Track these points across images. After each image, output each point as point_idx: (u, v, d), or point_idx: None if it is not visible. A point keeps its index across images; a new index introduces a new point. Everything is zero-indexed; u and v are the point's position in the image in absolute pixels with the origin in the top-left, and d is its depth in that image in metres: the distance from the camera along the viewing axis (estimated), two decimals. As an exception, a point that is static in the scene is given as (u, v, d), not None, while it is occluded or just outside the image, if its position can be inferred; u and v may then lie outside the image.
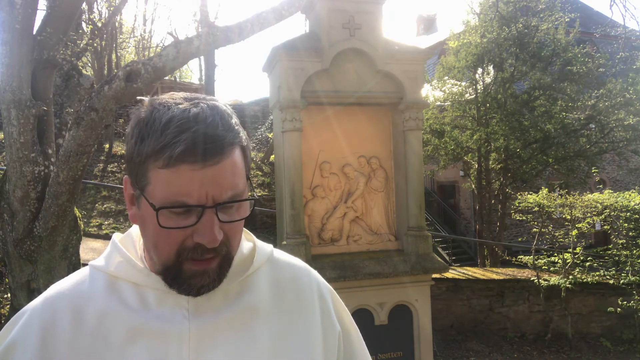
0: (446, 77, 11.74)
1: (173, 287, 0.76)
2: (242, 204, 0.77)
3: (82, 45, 4.84)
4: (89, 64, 14.68)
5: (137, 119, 0.74)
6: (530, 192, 7.33)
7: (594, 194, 7.05)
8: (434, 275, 4.57)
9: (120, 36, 17.06)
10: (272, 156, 11.64)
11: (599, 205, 6.64)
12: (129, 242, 0.88)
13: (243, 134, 0.78)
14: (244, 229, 0.93)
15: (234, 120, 0.76)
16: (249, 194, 0.80)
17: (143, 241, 0.81)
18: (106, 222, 9.55)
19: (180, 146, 0.68)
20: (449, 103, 11.70)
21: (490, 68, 11.54)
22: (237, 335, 0.81)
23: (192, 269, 0.74)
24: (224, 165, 0.71)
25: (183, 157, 0.68)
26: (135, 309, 0.79)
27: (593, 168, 10.38)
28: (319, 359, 0.87)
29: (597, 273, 6.81)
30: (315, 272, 0.98)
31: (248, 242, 0.92)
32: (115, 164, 12.24)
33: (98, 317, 0.78)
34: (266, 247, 0.94)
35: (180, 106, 0.72)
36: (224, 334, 0.80)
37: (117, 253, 0.84)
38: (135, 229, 0.88)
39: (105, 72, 13.58)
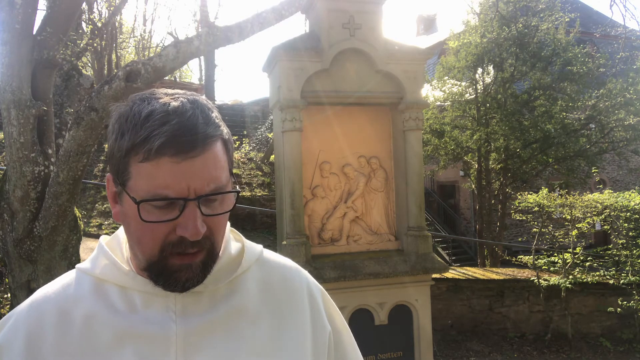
0: (446, 77, 11.73)
1: (159, 283, 0.76)
2: (226, 197, 0.76)
3: (82, 45, 4.84)
4: (89, 64, 14.68)
5: (118, 115, 0.74)
6: (530, 192, 7.33)
7: (594, 194, 7.06)
8: (434, 275, 4.57)
9: (120, 36, 17.05)
10: (272, 156, 11.64)
11: (599, 205, 6.64)
12: (116, 244, 0.87)
13: (224, 128, 0.78)
14: (233, 229, 0.92)
15: (215, 114, 0.76)
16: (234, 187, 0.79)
17: (127, 239, 0.80)
18: (106, 222, 9.55)
19: (160, 139, 0.68)
20: (449, 103, 11.70)
21: (490, 68, 11.54)
22: (225, 336, 0.80)
23: (176, 263, 0.74)
24: (205, 157, 0.71)
25: (163, 149, 0.68)
26: (122, 312, 0.78)
27: (593, 168, 10.39)
28: (309, 359, 0.87)
29: (597, 273, 6.80)
30: (305, 272, 0.97)
31: (237, 242, 0.91)
32: (115, 164, 12.20)
33: (84, 320, 0.77)
34: (255, 247, 0.92)
35: (160, 100, 0.72)
36: (212, 335, 0.79)
37: (104, 256, 0.83)
38: (122, 231, 0.87)
39: (105, 72, 13.58)
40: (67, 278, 0.84)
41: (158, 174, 0.69)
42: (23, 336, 0.77)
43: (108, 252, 0.83)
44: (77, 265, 0.85)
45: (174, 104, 0.72)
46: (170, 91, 0.76)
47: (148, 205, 0.71)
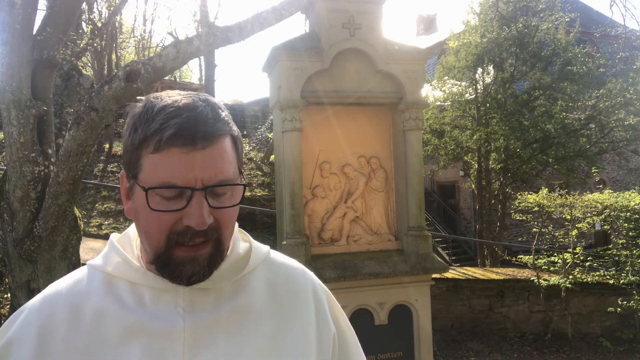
0: (446, 77, 11.73)
1: (165, 275, 0.77)
2: (234, 192, 0.78)
3: (82, 45, 4.84)
4: (89, 64, 14.67)
5: (132, 114, 0.78)
6: (530, 192, 7.33)
7: (594, 194, 7.05)
8: (434, 275, 4.57)
9: (120, 36, 17.05)
10: (272, 156, 11.64)
11: (599, 205, 6.64)
12: (126, 242, 0.89)
13: (234, 126, 0.80)
14: (241, 230, 0.94)
15: (225, 113, 0.79)
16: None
17: (137, 233, 0.82)
18: (106, 222, 9.55)
19: (170, 130, 0.71)
20: (449, 103, 11.70)
21: (490, 68, 11.54)
22: (231, 334, 0.81)
23: (182, 255, 0.75)
24: (213, 150, 0.74)
25: (172, 140, 0.71)
26: (131, 307, 0.79)
27: (593, 168, 10.38)
28: (313, 359, 0.88)
29: (597, 273, 6.80)
30: (311, 273, 0.99)
31: (244, 242, 0.93)
32: (115, 164, 12.24)
33: (94, 315, 0.79)
34: (262, 248, 0.94)
35: (172, 98, 0.76)
36: (219, 332, 0.81)
37: (115, 252, 0.85)
38: (132, 229, 0.89)
39: (105, 72, 13.57)
40: (78, 274, 0.86)
41: (167, 164, 0.72)
42: (34, 330, 0.78)
43: (119, 248, 0.85)
44: (89, 262, 0.86)
45: (186, 100, 0.75)
46: (183, 92, 0.80)
47: (156, 195, 0.73)
